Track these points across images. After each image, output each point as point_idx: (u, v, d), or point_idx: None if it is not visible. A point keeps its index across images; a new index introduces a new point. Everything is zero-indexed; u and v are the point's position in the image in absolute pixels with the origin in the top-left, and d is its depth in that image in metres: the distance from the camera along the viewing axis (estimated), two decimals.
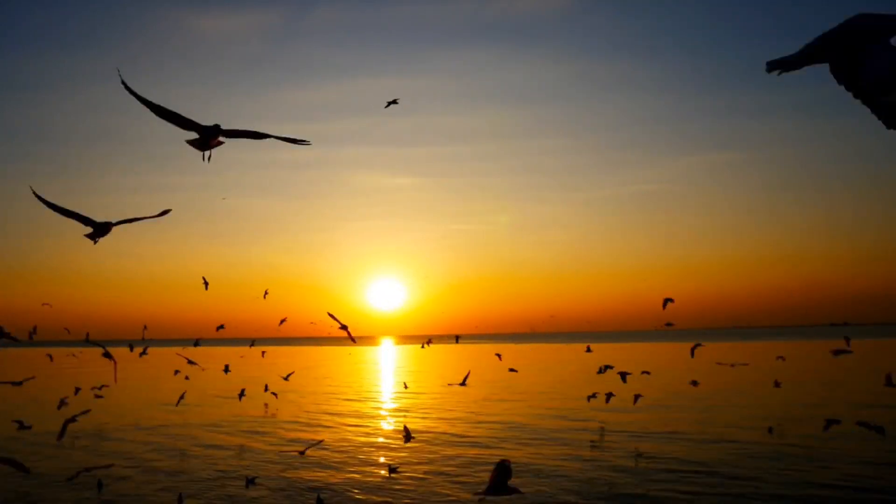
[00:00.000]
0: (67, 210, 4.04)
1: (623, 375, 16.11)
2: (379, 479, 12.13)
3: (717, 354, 43.73)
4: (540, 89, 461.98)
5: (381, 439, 16.95)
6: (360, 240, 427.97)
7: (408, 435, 12.54)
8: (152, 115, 3.59)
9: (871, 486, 11.00)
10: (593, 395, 17.32)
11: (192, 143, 3.86)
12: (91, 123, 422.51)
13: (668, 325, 15.06)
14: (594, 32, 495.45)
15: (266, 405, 23.60)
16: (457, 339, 23.87)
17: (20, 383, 15.52)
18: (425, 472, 12.64)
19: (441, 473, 12.55)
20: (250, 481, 11.68)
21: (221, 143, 3.90)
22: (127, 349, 20.75)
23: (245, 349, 45.53)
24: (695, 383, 20.34)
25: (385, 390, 31.96)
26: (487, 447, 15.11)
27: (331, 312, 11.22)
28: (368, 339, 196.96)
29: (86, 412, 13.49)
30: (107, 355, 12.82)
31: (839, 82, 2.34)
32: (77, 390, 20.68)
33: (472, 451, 14.66)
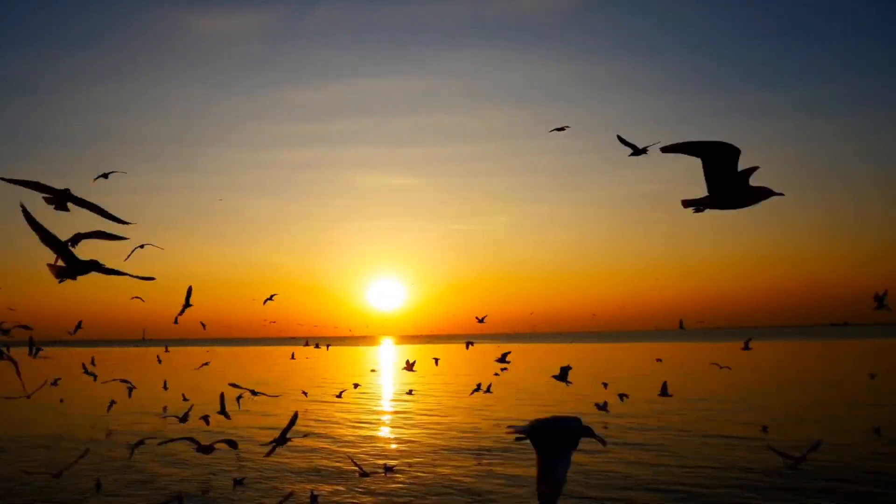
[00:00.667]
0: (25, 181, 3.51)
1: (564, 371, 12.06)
2: (379, 479, 12.14)
3: (715, 356, 43.67)
4: (540, 89, 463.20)
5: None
6: (360, 240, 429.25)
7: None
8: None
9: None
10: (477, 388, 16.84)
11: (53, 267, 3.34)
12: (91, 123, 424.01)
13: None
14: (594, 33, 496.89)
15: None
16: (468, 344, 23.83)
17: None
18: (424, 473, 12.66)
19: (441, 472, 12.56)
20: (238, 482, 11.76)
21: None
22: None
23: (244, 349, 45.20)
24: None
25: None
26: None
27: (233, 382, 11.78)
28: (368, 339, 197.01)
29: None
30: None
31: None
32: None
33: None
